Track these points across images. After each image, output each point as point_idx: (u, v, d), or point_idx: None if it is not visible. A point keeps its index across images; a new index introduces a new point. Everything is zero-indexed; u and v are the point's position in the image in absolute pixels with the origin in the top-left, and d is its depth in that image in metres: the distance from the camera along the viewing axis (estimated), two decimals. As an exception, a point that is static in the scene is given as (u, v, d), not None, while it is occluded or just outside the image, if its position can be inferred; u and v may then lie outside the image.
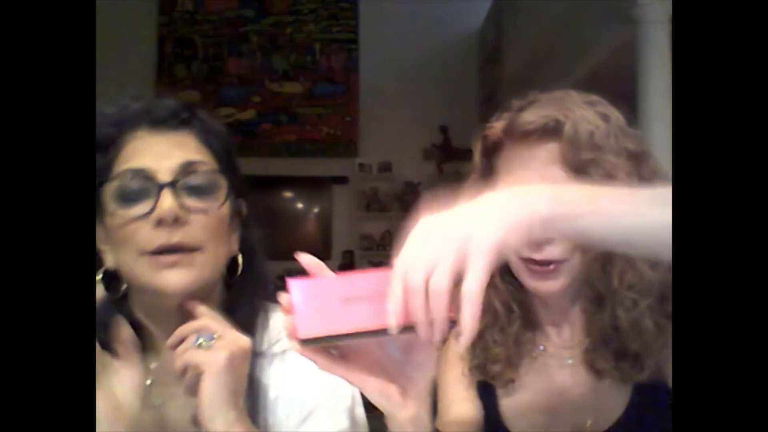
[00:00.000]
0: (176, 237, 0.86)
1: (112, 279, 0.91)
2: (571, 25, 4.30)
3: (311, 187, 6.84)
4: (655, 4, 3.26)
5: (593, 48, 4.02)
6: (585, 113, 0.99)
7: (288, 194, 6.84)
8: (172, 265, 0.86)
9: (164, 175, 0.87)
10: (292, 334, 0.65)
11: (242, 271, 0.95)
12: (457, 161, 6.25)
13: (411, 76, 6.58)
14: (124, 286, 0.91)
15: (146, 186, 0.87)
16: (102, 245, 0.90)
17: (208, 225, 0.88)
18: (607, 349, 1.00)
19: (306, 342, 0.64)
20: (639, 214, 0.66)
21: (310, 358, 0.68)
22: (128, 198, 0.87)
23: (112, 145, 0.89)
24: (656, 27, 3.28)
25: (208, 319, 0.83)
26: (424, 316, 0.63)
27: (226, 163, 0.94)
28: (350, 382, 0.71)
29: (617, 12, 3.53)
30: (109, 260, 0.90)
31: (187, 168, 0.89)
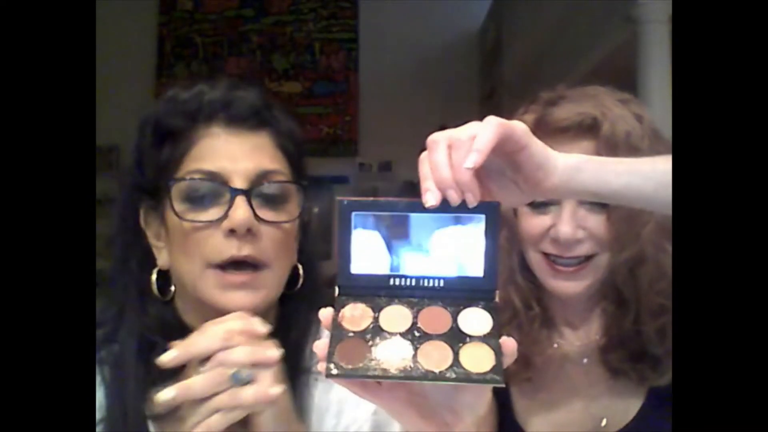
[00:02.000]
0: (246, 250, 0.81)
1: (162, 279, 0.86)
2: (571, 25, 4.30)
3: (311, 187, 6.81)
4: (655, 4, 3.25)
5: (593, 48, 4.01)
6: (622, 112, 0.97)
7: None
8: (241, 285, 0.81)
9: (239, 181, 0.82)
10: (320, 360, 0.61)
11: (301, 282, 0.90)
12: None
13: (411, 76, 6.58)
14: (173, 288, 0.87)
15: (219, 190, 0.82)
16: (156, 241, 0.87)
17: (278, 240, 0.84)
18: (625, 349, 0.99)
19: (331, 377, 0.61)
20: (632, 163, 0.74)
21: (342, 385, 0.64)
22: (198, 201, 0.82)
23: (184, 139, 0.85)
24: (656, 27, 3.27)
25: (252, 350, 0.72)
26: (450, 172, 0.63)
27: (298, 167, 0.90)
28: (387, 412, 0.66)
29: (617, 12, 3.52)
30: (162, 259, 0.86)
31: (263, 176, 0.84)
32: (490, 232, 0.65)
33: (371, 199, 0.66)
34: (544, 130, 0.95)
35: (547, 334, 1.06)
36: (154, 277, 0.86)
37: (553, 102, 1.00)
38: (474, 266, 0.65)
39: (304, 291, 0.90)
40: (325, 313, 0.64)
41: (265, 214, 0.83)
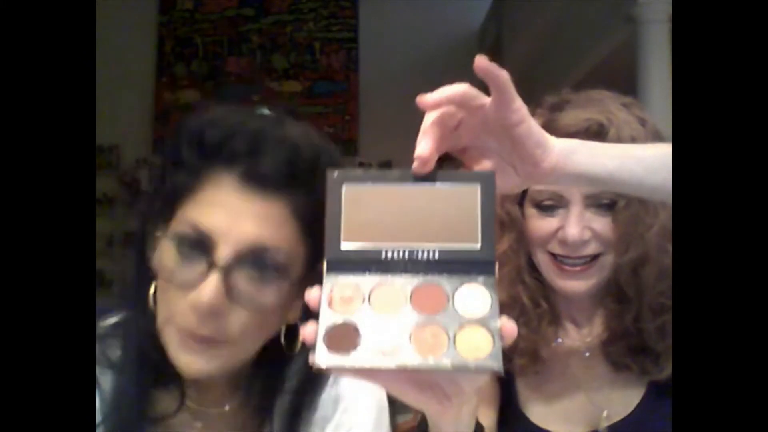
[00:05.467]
0: (207, 330, 0.73)
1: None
2: (571, 25, 4.30)
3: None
4: (655, 4, 3.26)
5: (593, 48, 4.01)
6: (626, 117, 0.99)
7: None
8: (199, 351, 0.75)
9: (225, 249, 0.72)
10: (309, 344, 0.58)
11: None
12: (457, 160, 6.25)
13: (411, 76, 6.57)
14: None
15: (201, 256, 0.73)
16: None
17: (251, 320, 0.75)
18: (626, 343, 1.02)
19: (320, 369, 0.57)
20: (624, 148, 0.75)
21: (334, 371, 0.61)
22: (181, 256, 0.74)
23: (193, 174, 0.75)
24: (656, 26, 3.28)
25: None
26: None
27: (314, 233, 0.73)
28: (384, 388, 0.63)
29: (617, 11, 3.52)
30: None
31: (257, 252, 0.73)
32: (486, 202, 0.62)
33: (362, 170, 0.64)
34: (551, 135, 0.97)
35: (554, 330, 1.08)
36: (152, 290, 0.80)
37: (558, 107, 1.02)
38: (470, 237, 0.61)
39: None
40: (313, 295, 0.60)
41: (246, 288, 0.73)
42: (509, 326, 0.58)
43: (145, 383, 0.84)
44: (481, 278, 0.61)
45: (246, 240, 0.73)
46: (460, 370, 0.56)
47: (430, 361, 0.56)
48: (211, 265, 0.72)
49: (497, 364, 0.56)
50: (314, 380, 0.86)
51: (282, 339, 0.80)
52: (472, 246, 0.61)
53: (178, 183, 0.76)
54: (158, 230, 0.78)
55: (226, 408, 0.87)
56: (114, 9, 5.45)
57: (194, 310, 0.73)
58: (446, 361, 0.56)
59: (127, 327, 0.85)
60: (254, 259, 0.73)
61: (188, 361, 0.75)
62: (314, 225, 0.72)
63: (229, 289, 0.72)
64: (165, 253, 0.76)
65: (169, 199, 0.77)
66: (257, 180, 0.74)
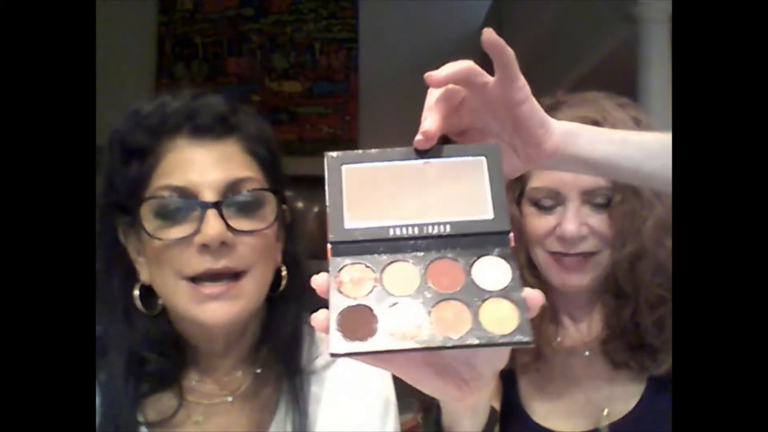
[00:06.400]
0: (222, 262, 0.79)
1: (148, 294, 0.85)
2: (572, 25, 4.30)
3: (311, 187, 6.81)
4: (655, 4, 3.26)
5: (593, 47, 4.02)
6: (621, 116, 1.01)
7: (288, 193, 6.83)
8: (216, 297, 0.80)
9: (209, 194, 0.80)
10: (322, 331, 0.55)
11: (286, 282, 0.88)
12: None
13: (411, 76, 6.57)
14: (161, 302, 0.85)
15: (189, 205, 0.80)
16: (137, 257, 0.85)
17: (256, 246, 0.82)
18: (625, 341, 1.03)
19: (337, 355, 0.53)
20: (624, 133, 0.76)
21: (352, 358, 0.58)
22: (168, 217, 0.80)
23: (150, 154, 0.83)
24: (656, 26, 3.28)
25: None
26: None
27: (272, 171, 0.88)
28: (399, 375, 0.60)
29: (617, 11, 3.53)
30: (144, 274, 0.85)
31: (234, 186, 0.82)
32: (494, 173, 0.59)
33: (361, 151, 0.61)
34: None
35: (554, 329, 1.09)
36: (136, 292, 0.85)
37: (553, 107, 1.03)
38: (482, 208, 0.58)
39: (291, 292, 0.88)
40: (320, 280, 0.56)
41: (239, 223, 0.81)
42: (534, 296, 0.54)
43: (139, 391, 0.85)
44: (497, 250, 0.57)
45: (221, 180, 0.81)
46: (489, 345, 0.52)
47: (455, 339, 0.52)
48: (204, 206, 0.79)
49: (528, 337, 0.52)
50: (318, 366, 0.89)
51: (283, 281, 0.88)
52: (484, 217, 0.58)
53: (136, 167, 0.83)
54: (123, 218, 0.84)
55: (230, 399, 0.87)
56: (114, 9, 5.45)
57: (205, 249, 0.79)
58: (472, 339, 0.52)
59: (111, 339, 0.86)
60: (234, 193, 0.81)
61: (211, 309, 0.80)
62: (268, 160, 0.87)
63: (227, 225, 0.79)
64: (150, 225, 0.81)
65: (133, 184, 0.83)
66: (205, 131, 0.83)
